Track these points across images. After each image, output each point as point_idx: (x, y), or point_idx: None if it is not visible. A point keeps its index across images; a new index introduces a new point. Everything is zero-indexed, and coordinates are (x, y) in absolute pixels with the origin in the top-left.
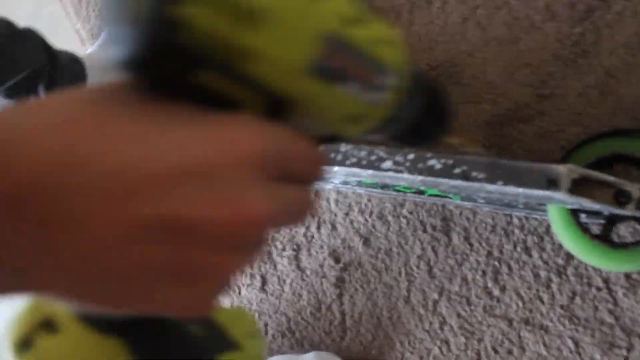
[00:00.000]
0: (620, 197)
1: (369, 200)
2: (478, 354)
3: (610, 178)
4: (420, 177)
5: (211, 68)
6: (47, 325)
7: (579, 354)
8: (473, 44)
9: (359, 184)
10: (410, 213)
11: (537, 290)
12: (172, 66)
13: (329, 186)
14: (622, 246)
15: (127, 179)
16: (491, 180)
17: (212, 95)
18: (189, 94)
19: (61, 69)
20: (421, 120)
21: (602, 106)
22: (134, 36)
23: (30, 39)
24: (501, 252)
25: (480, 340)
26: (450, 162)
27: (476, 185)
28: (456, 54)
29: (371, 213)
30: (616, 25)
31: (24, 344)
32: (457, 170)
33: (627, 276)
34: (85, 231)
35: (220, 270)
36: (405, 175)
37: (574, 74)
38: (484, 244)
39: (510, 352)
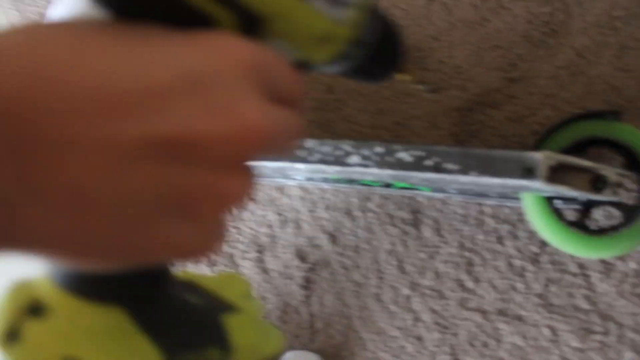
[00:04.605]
0: (598, 183)
1: (335, 195)
2: (453, 348)
3: (588, 163)
4: (389, 172)
5: None
6: (34, 309)
7: (556, 342)
8: (439, 27)
9: (324, 179)
10: (378, 207)
11: (512, 280)
12: None
13: (291, 182)
14: (599, 232)
15: (113, 95)
16: (465, 171)
17: (188, 16)
18: (165, 13)
19: None
20: (379, 48)
21: (573, 88)
22: None
23: None
24: (473, 242)
25: (455, 335)
26: (421, 154)
27: (449, 177)
28: (422, 38)
29: (337, 209)
30: (586, 3)
31: (10, 336)
32: (428, 163)
33: (602, 260)
34: (71, 156)
35: (221, 193)
36: (374, 170)
37: (544, 55)
38: (455, 235)
39: (486, 345)
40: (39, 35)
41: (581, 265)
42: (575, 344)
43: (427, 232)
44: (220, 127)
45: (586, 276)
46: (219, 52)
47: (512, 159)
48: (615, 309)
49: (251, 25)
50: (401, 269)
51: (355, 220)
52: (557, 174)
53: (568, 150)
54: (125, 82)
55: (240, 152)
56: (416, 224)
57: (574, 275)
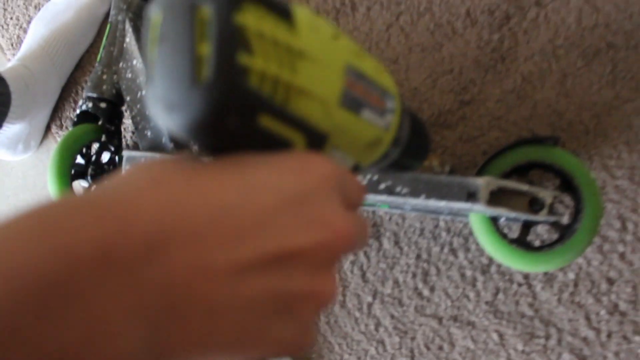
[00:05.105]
0: (535, 205)
1: None
2: (412, 351)
3: (525, 187)
4: None
5: (268, 111)
6: None
7: (503, 346)
8: (397, 50)
9: None
10: None
11: (464, 289)
12: (241, 113)
13: None
14: (536, 249)
15: (230, 223)
16: (414, 194)
17: (267, 140)
18: (247, 143)
19: None
20: (411, 141)
21: (519, 111)
22: (207, 92)
23: None
24: (429, 254)
25: (413, 339)
26: (375, 177)
27: (400, 200)
28: (381, 60)
29: None
30: (531, 32)
31: None
32: (382, 186)
33: (545, 271)
34: (201, 279)
35: (320, 290)
36: None
37: (493, 80)
38: (413, 247)
39: (441, 348)
40: (156, 175)
41: (526, 276)
42: (520, 347)
43: (387, 244)
44: (317, 237)
45: (530, 285)
46: (308, 171)
47: (457, 184)
48: (555, 315)
49: (316, 141)
50: (364, 278)
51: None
52: (497, 197)
53: (510, 173)
54: (238, 210)
55: (333, 255)
56: (377, 236)
57: (519, 284)
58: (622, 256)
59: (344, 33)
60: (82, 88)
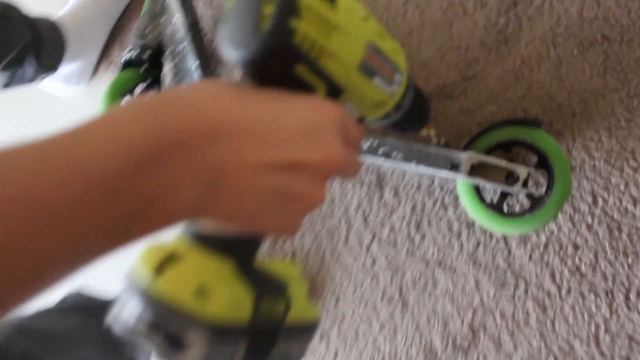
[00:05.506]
0: (510, 178)
1: None
2: (400, 287)
3: (503, 163)
4: None
5: (304, 62)
6: (171, 256)
7: (478, 291)
8: (411, 24)
9: None
10: None
11: (450, 239)
12: (284, 60)
13: None
14: (509, 215)
15: (264, 132)
16: (407, 159)
17: (298, 84)
18: (284, 82)
19: (44, 40)
20: (411, 110)
21: (515, 90)
22: (264, 40)
23: (10, 18)
24: (423, 206)
25: (402, 276)
26: (375, 143)
27: (395, 164)
28: (396, 32)
29: None
30: (535, 18)
31: (157, 270)
32: (380, 150)
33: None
34: (236, 166)
35: (312, 195)
36: None
37: (495, 59)
38: (410, 200)
39: (425, 286)
40: (217, 90)
41: (504, 235)
42: (492, 293)
43: (387, 195)
44: (318, 157)
45: (507, 243)
46: (322, 111)
47: (443, 155)
48: (525, 270)
49: (334, 92)
50: (365, 221)
51: (331, 180)
52: (478, 168)
53: (496, 147)
54: (268, 126)
55: (326, 172)
56: (380, 187)
57: (497, 241)
58: (589, 227)
59: (373, 16)
60: (127, 33)
